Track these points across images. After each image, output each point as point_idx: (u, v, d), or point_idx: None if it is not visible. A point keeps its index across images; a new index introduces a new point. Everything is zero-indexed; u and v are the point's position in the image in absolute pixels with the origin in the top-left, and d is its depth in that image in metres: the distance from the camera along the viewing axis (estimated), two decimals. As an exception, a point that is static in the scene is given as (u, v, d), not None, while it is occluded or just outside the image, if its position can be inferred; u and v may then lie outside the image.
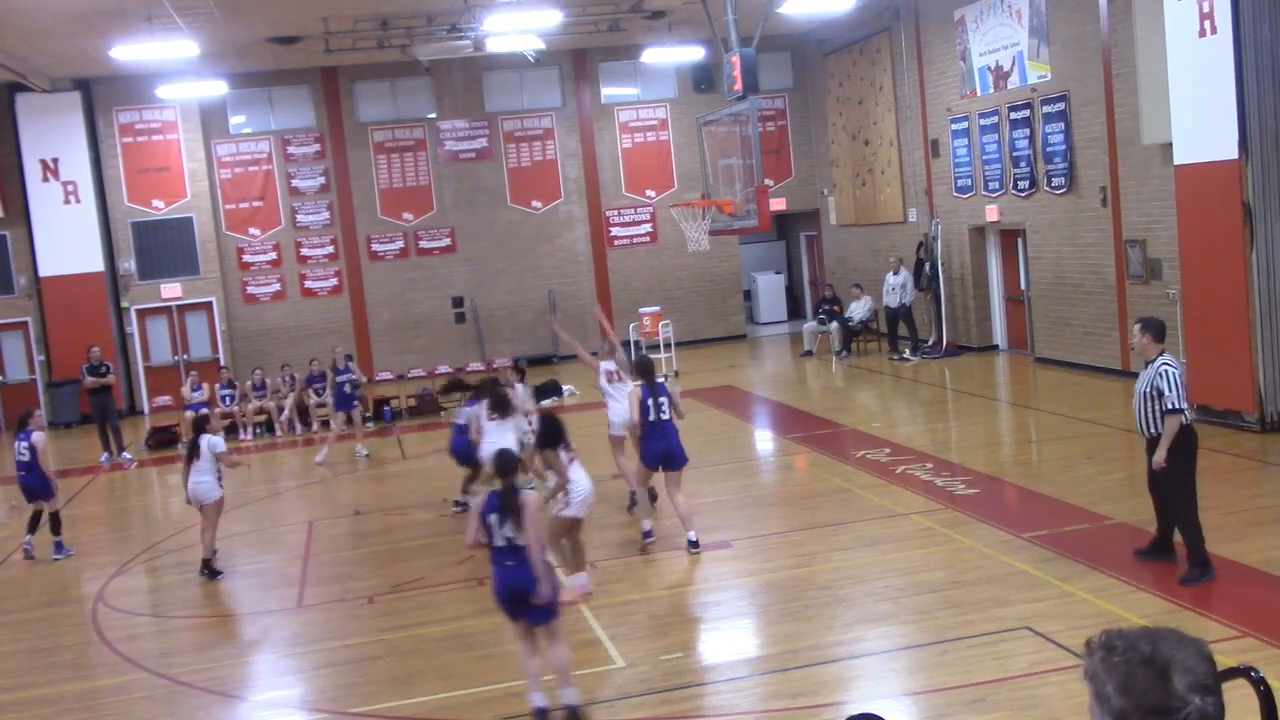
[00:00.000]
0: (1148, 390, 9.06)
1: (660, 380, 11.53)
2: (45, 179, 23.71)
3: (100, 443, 19.50)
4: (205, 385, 20.76)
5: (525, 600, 7.36)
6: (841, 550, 10.68)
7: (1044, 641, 8.02)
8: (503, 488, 7.45)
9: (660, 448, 11.10)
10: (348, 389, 17.89)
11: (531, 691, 7.48)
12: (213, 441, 11.87)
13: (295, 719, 8.30)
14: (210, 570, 11.74)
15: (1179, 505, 9.11)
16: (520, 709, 7.71)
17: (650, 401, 11.09)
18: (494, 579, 7.54)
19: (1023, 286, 20.82)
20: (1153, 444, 9.11)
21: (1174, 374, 8.95)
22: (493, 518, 7.40)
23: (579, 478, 9.80)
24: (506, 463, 7.62)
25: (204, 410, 15.01)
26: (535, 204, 26.98)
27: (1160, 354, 9.09)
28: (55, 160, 23.72)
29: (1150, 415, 9.09)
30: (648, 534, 11.24)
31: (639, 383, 11.40)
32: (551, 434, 9.70)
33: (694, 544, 10.90)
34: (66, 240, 23.75)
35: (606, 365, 12.55)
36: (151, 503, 17.12)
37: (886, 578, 9.75)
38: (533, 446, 10.67)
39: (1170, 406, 8.89)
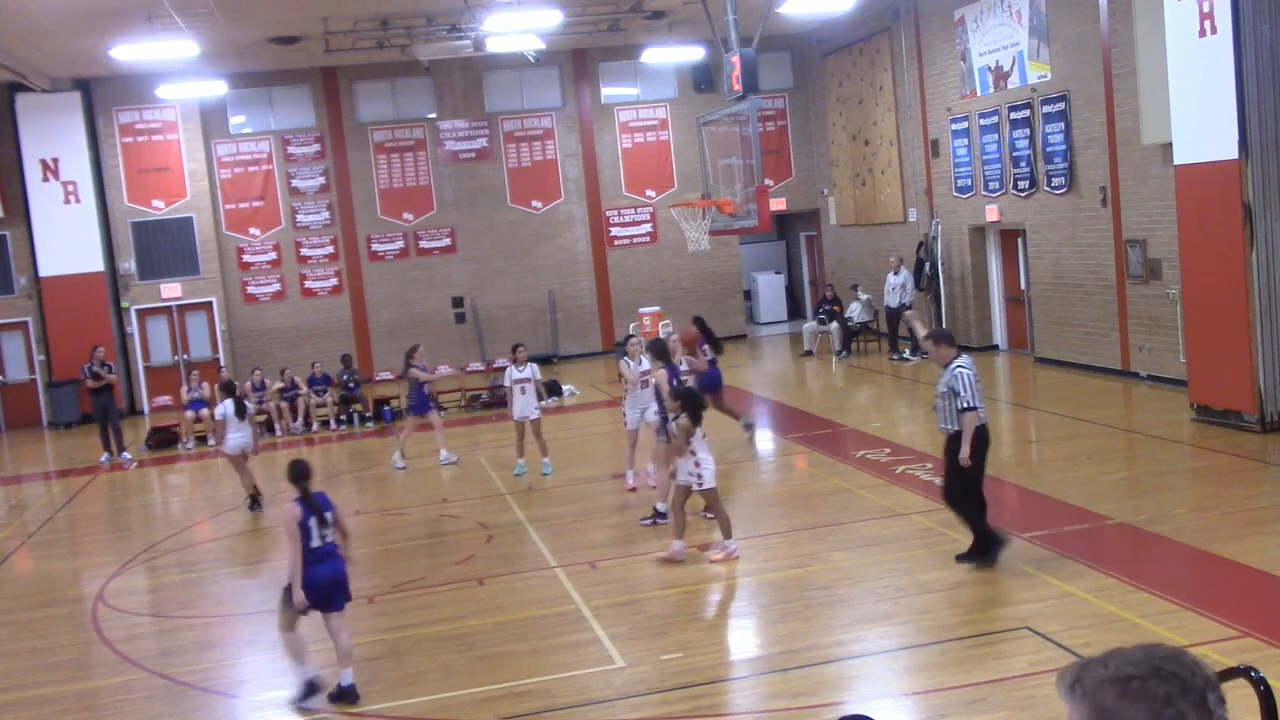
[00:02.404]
0: (945, 391, 9.73)
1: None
2: (45, 179, 23.71)
3: (101, 443, 19.49)
4: (205, 385, 20.77)
5: (341, 589, 8.34)
6: (841, 550, 10.67)
7: (1044, 641, 8.01)
8: (305, 494, 8.29)
9: None
10: (426, 390, 17.04)
11: (305, 665, 8.32)
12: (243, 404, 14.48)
13: (294, 719, 8.29)
14: (257, 501, 14.31)
15: (968, 497, 9.74)
16: (520, 709, 7.72)
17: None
18: (312, 576, 8.20)
19: (1023, 286, 20.82)
20: (951, 440, 9.75)
21: (968, 375, 9.63)
22: (312, 522, 8.22)
23: (706, 455, 10.59)
24: (301, 471, 8.42)
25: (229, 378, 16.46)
26: (535, 204, 26.98)
27: (955, 357, 9.83)
28: (55, 160, 23.72)
29: (948, 413, 9.73)
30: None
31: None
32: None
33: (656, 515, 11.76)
34: (66, 240, 23.76)
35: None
36: (151, 503, 17.12)
37: (886, 578, 9.75)
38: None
39: (964, 405, 9.53)
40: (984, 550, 9.70)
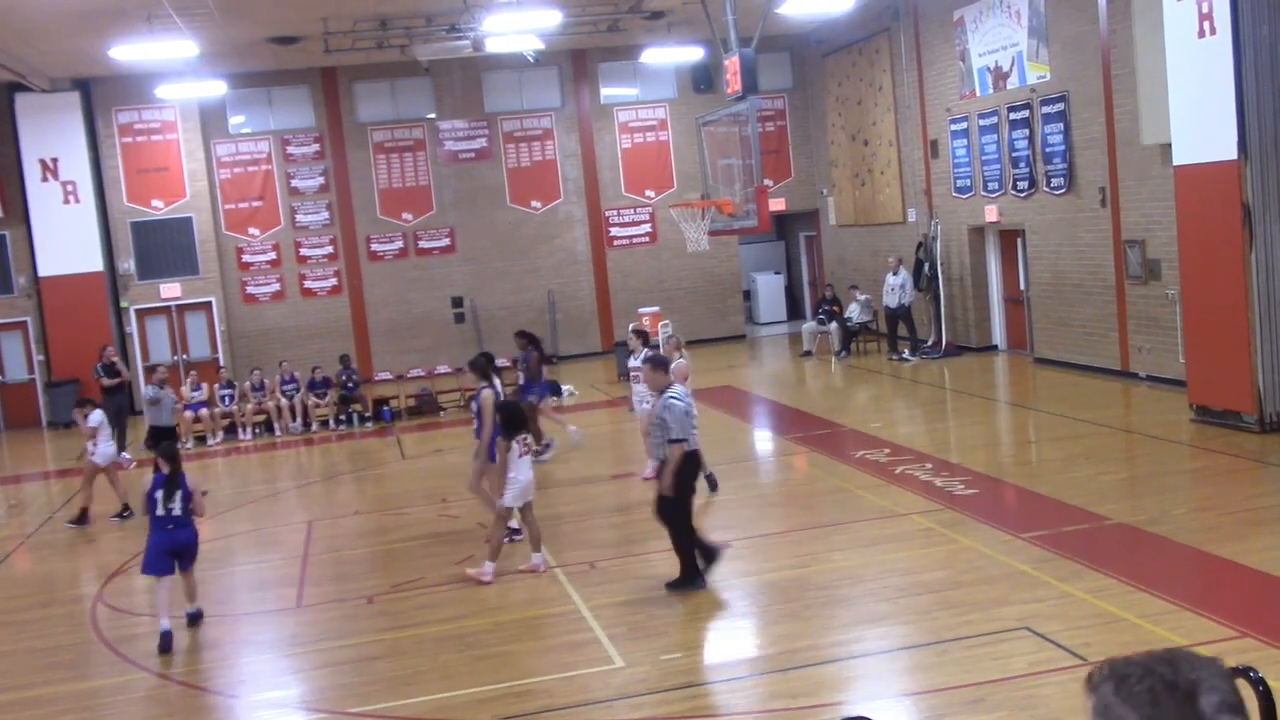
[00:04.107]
0: (657, 421, 9.89)
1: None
2: (45, 179, 23.72)
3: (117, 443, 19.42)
4: (204, 385, 20.77)
5: (188, 554, 9.97)
6: (841, 550, 10.68)
7: (1043, 642, 8.01)
8: (171, 471, 9.86)
9: None
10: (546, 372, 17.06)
11: (163, 618, 9.55)
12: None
13: (294, 719, 8.30)
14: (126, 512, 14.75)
15: (677, 523, 9.81)
16: (520, 709, 7.72)
17: None
18: (158, 542, 9.79)
19: (1022, 287, 20.83)
20: (662, 466, 9.89)
21: (678, 407, 9.73)
22: (159, 494, 9.79)
23: (517, 472, 10.45)
24: (172, 452, 10.08)
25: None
26: (535, 204, 26.99)
27: (669, 386, 9.97)
28: (55, 160, 23.72)
29: (658, 443, 9.93)
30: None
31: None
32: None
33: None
34: (66, 240, 23.76)
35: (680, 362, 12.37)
36: (150, 503, 17.08)
37: (885, 578, 9.75)
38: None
39: (672, 438, 9.67)
40: (690, 579, 9.82)
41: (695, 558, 9.88)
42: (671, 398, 9.82)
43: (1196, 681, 1.98)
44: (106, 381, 19.36)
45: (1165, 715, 1.96)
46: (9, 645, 10.28)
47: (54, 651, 9.98)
